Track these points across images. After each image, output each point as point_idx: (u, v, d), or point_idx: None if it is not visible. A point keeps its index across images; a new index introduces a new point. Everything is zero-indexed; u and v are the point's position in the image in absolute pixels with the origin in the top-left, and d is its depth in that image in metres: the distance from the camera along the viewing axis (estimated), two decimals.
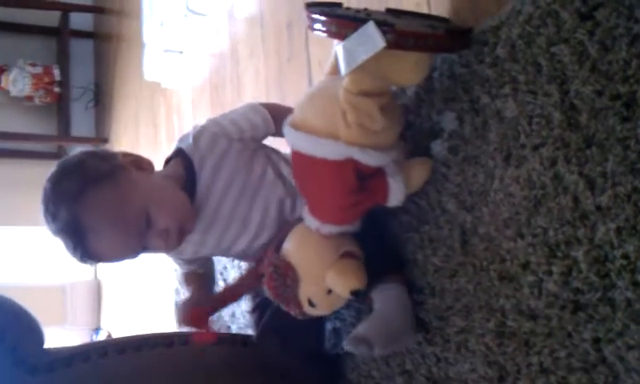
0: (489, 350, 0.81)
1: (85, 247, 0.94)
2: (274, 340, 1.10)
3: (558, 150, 0.71)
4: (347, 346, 0.88)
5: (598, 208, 0.67)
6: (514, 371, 0.78)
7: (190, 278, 1.20)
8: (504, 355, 0.79)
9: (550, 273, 0.72)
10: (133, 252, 0.99)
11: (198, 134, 1.03)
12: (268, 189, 1.04)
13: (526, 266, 0.75)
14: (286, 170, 1.06)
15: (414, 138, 0.95)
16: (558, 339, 0.71)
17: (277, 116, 1.06)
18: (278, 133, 1.07)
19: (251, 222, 1.04)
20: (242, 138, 1.05)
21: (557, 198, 0.71)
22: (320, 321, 1.08)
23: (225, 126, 1.04)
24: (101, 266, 3.52)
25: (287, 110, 1.07)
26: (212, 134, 1.03)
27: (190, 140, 1.03)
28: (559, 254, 0.71)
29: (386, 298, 0.94)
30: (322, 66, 1.26)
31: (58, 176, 0.96)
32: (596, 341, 0.67)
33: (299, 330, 1.04)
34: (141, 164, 1.02)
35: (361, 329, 0.89)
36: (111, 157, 1.00)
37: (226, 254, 1.13)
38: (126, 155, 1.02)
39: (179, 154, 1.05)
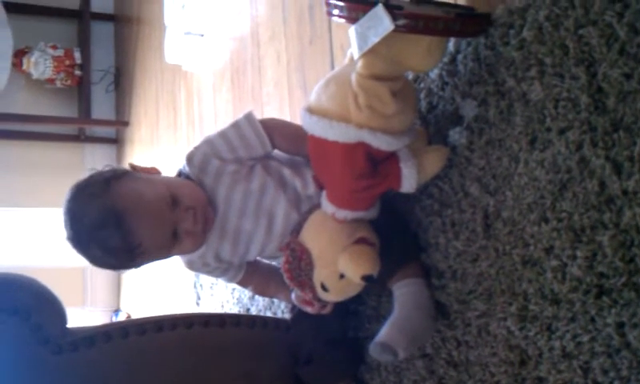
0: (510, 334, 0.81)
1: (125, 231, 0.94)
2: (306, 325, 1.11)
3: (585, 134, 0.70)
4: (372, 353, 0.89)
5: (625, 192, 0.66)
6: (536, 355, 0.77)
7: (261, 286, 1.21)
8: (526, 339, 0.79)
9: (575, 257, 0.72)
10: (168, 232, 0.98)
11: (191, 155, 1.04)
12: (270, 203, 1.02)
13: (549, 250, 0.75)
14: (287, 173, 1.03)
15: (435, 123, 0.95)
16: (581, 324, 0.71)
17: (276, 131, 1.05)
18: (281, 148, 1.07)
19: (256, 239, 1.04)
20: (237, 157, 1.03)
21: (582, 183, 0.71)
22: (344, 307, 1.08)
23: (216, 144, 1.03)
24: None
25: (291, 127, 1.07)
26: (203, 155, 1.03)
27: (185, 161, 1.04)
28: (584, 239, 0.71)
29: (405, 297, 0.94)
30: (344, 49, 1.26)
31: (77, 191, 0.98)
32: (620, 325, 0.67)
33: (328, 316, 1.04)
34: (149, 170, 1.06)
35: (383, 335, 0.89)
36: (121, 167, 1.06)
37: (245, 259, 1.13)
38: (134, 165, 1.06)
39: (180, 175, 1.07)
